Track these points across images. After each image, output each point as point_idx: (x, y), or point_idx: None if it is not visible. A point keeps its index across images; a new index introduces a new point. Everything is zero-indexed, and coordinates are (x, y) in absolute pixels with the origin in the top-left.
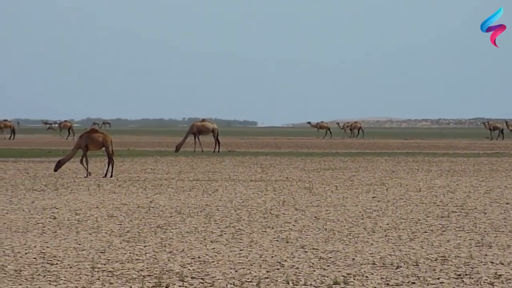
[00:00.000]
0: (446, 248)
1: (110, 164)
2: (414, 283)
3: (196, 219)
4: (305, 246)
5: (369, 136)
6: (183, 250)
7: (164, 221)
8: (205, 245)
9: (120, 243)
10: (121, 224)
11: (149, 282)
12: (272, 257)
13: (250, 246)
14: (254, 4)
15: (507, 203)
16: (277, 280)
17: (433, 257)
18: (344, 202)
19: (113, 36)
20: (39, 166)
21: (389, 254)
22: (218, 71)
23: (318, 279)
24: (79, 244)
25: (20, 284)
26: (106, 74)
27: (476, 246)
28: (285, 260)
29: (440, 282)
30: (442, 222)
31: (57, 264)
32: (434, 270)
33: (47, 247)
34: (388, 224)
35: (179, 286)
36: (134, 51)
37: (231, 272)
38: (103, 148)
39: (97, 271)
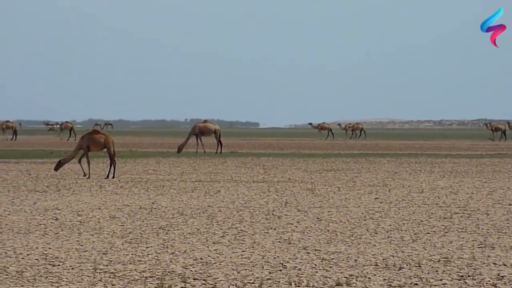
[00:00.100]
0: (448, 249)
1: (112, 165)
2: (416, 284)
3: (198, 220)
4: (307, 247)
5: (372, 137)
6: (185, 251)
7: (166, 222)
8: (207, 246)
9: (122, 244)
10: (123, 225)
11: (151, 284)
12: (275, 258)
13: (253, 247)
14: (257, 5)
15: (509, 204)
16: (279, 281)
17: (435, 258)
18: (346, 203)
19: (115, 36)
20: (41, 167)
21: (392, 255)
22: (220, 72)
23: (320, 280)
24: (81, 245)
25: (22, 286)
26: (109, 75)
27: (479, 247)
28: (288, 261)
29: (443, 284)
30: (444, 223)
31: (59, 265)
32: (436, 271)
33: (49, 248)
34: (390, 225)
35: (181, 287)
36: (136, 52)
37: (233, 273)
38: (105, 149)
39: (99, 272)
